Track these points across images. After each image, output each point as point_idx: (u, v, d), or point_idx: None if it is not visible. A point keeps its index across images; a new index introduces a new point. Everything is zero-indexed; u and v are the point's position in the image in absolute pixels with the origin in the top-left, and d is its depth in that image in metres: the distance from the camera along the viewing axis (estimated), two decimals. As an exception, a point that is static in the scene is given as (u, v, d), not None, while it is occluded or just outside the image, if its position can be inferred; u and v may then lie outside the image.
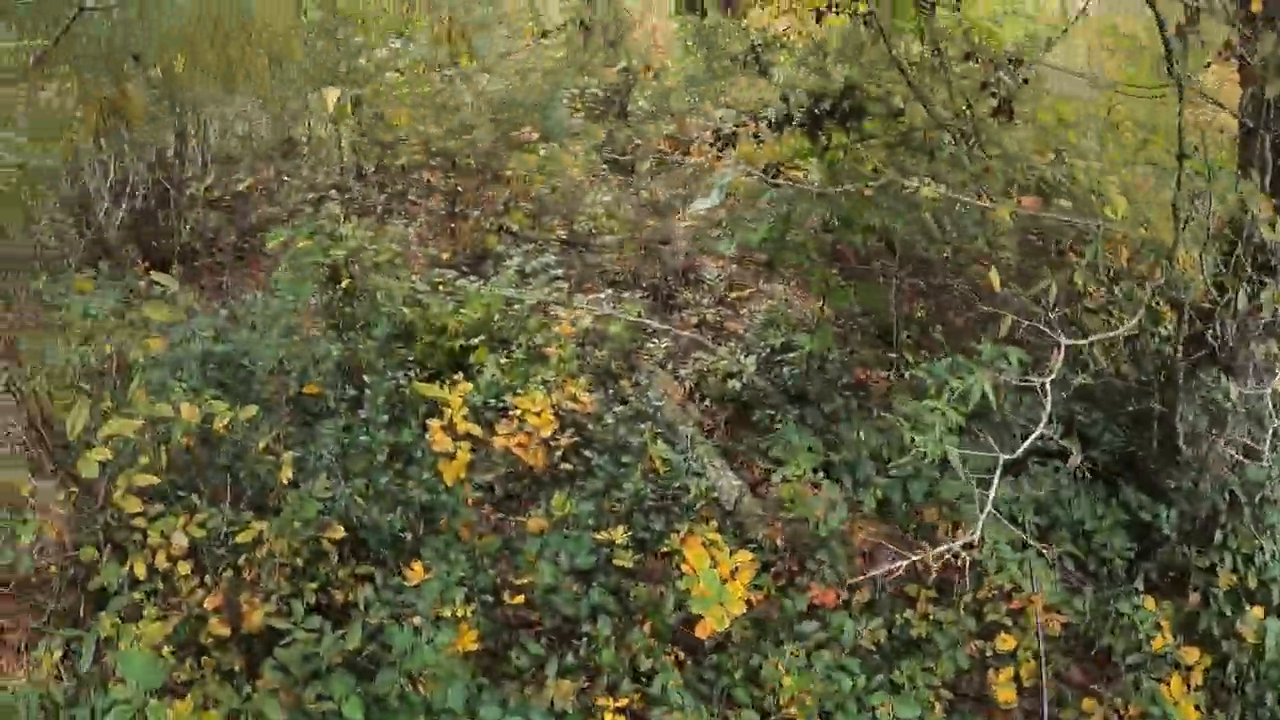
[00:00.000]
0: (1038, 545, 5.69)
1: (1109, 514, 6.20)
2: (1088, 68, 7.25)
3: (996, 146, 6.49)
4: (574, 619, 5.69)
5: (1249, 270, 5.60)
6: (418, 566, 5.47)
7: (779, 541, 6.25)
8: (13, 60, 5.01)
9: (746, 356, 8.31)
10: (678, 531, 5.79)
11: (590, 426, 6.92)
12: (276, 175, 10.79)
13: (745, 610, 5.17)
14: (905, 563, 4.32)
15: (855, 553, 6.08)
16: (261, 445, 5.69)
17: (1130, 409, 6.62)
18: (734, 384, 8.18)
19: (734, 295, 9.99)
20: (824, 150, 7.41)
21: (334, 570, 5.66)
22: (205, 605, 5.22)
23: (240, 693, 5.08)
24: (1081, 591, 6.06)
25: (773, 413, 7.63)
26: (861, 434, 6.23)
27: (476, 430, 5.99)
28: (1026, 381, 4.81)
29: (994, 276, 5.23)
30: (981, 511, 4.31)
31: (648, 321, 8.67)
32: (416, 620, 5.28)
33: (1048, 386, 4.49)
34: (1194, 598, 6.04)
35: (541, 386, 6.82)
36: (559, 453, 6.54)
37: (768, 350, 8.27)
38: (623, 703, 5.32)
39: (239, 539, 5.42)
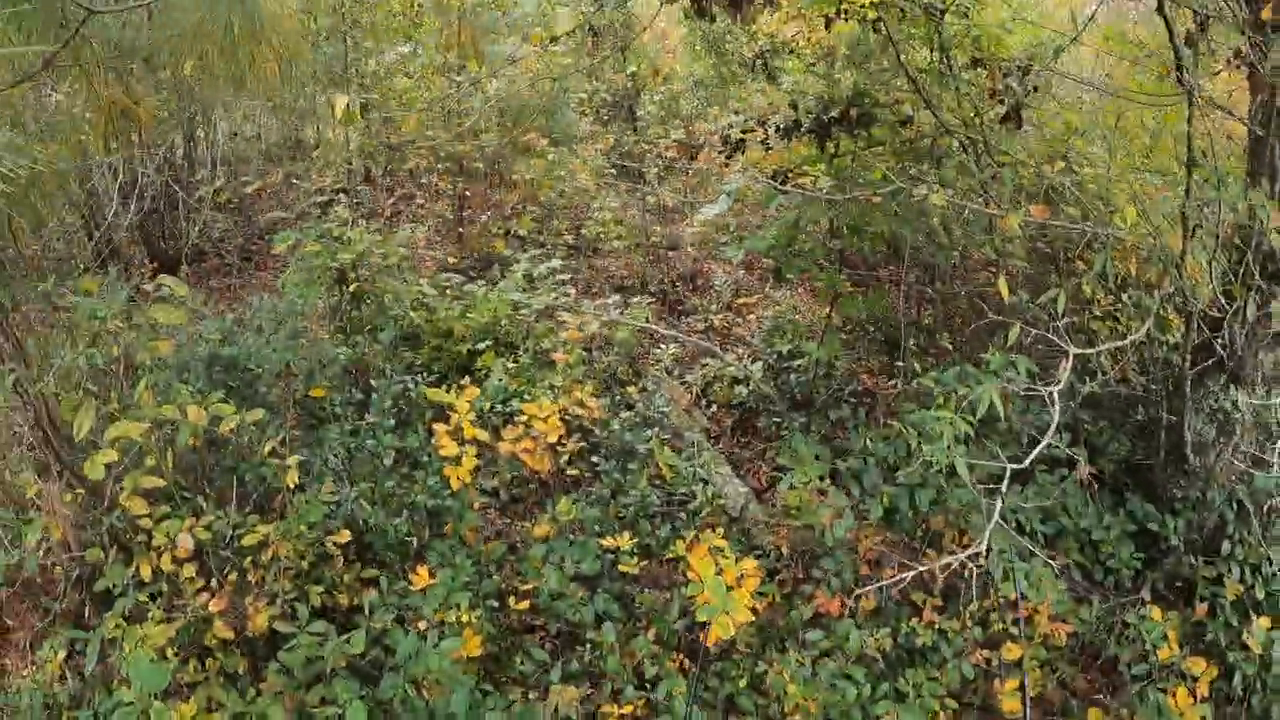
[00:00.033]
0: (1044, 555, 5.66)
1: (1116, 523, 6.17)
2: (1096, 75, 7.24)
3: (1005, 153, 6.48)
4: (579, 625, 5.68)
5: (1258, 279, 5.57)
6: (423, 571, 5.47)
7: (785, 549, 6.24)
8: (22, 63, 5.03)
9: (753, 363, 8.30)
10: (683, 538, 5.78)
11: (597, 432, 6.91)
12: (285, 178, 10.81)
13: (750, 618, 5.14)
14: (911, 574, 4.29)
15: (861, 561, 6.05)
16: (267, 449, 5.69)
17: (1137, 418, 6.59)
18: (741, 390, 8.18)
19: (741, 301, 9.98)
20: (832, 157, 7.41)
21: (339, 574, 5.67)
22: (210, 608, 5.23)
23: (244, 696, 5.09)
24: (1088, 601, 6.04)
25: (779, 420, 7.63)
26: (868, 442, 6.21)
27: (483, 435, 5.99)
28: (1034, 391, 4.80)
29: (1003, 285, 5.21)
30: (989, 522, 4.30)
31: (655, 327, 8.66)
32: (421, 625, 5.28)
33: (1055, 395, 4.47)
34: (1200, 608, 6.00)
35: (548, 392, 6.82)
36: (565, 458, 6.53)
37: (775, 357, 8.26)
38: (627, 709, 5.31)
39: (244, 542, 5.43)
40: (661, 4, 5.62)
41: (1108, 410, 6.62)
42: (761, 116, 7.68)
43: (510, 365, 7.48)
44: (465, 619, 5.33)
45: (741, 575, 5.25)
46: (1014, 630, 5.75)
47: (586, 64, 11.65)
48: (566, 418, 6.44)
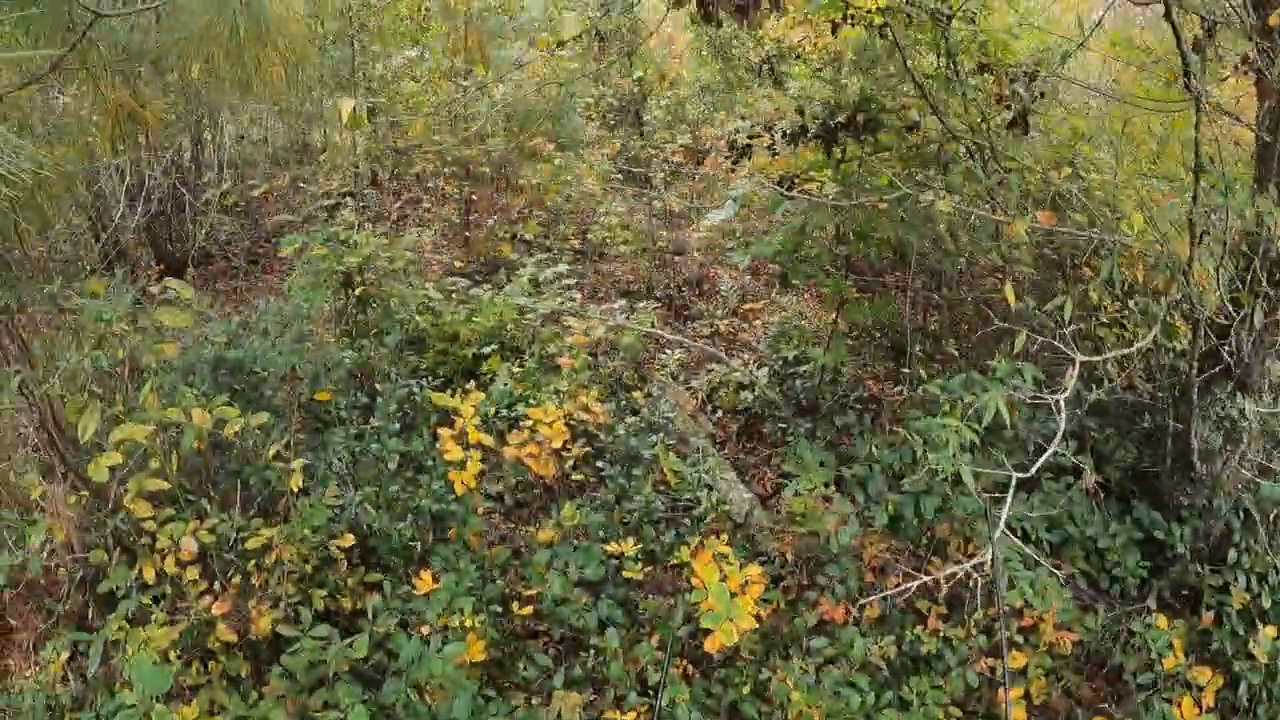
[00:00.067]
0: (1049, 565, 5.64)
1: (1122, 531, 6.15)
2: (1103, 80, 7.23)
3: (1011, 159, 6.47)
4: (582, 630, 5.67)
5: (1265, 286, 5.55)
6: (426, 575, 5.46)
7: (789, 555, 6.23)
8: (30, 66, 5.03)
9: (759, 369, 8.29)
10: (688, 544, 5.77)
11: (602, 437, 6.91)
12: (292, 181, 10.83)
13: (754, 625, 5.13)
14: (917, 583, 4.28)
15: (866, 568, 6.04)
16: (272, 452, 5.69)
17: (1144, 425, 6.57)
18: (746, 396, 8.17)
19: (747, 307, 9.98)
20: (839, 162, 7.40)
21: (342, 578, 5.67)
22: (213, 611, 5.23)
23: (246, 699, 5.09)
24: (1093, 609, 6.01)
25: (784, 426, 7.62)
26: (874, 449, 6.19)
27: (488, 440, 5.98)
28: (1040, 399, 4.78)
29: (1009, 291, 5.20)
30: (994, 531, 4.28)
31: (660, 332, 8.66)
32: (424, 629, 5.28)
33: (1062, 403, 4.46)
34: (1207, 617, 5.97)
35: (554, 396, 6.82)
36: (570, 463, 6.53)
37: (780, 362, 8.25)
38: (630, 716, 5.29)
39: (248, 545, 5.43)
40: (668, 9, 5.60)
41: (1114, 417, 6.60)
42: (768, 122, 7.68)
43: (516, 370, 7.47)
44: (468, 624, 5.32)
45: (745, 582, 5.24)
46: (1019, 639, 5.73)
47: (593, 69, 11.65)
48: (571, 423, 6.43)
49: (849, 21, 6.17)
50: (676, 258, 11.01)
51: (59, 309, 5.93)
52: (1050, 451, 4.48)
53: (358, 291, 7.79)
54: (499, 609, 5.72)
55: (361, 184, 10.53)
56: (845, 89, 7.37)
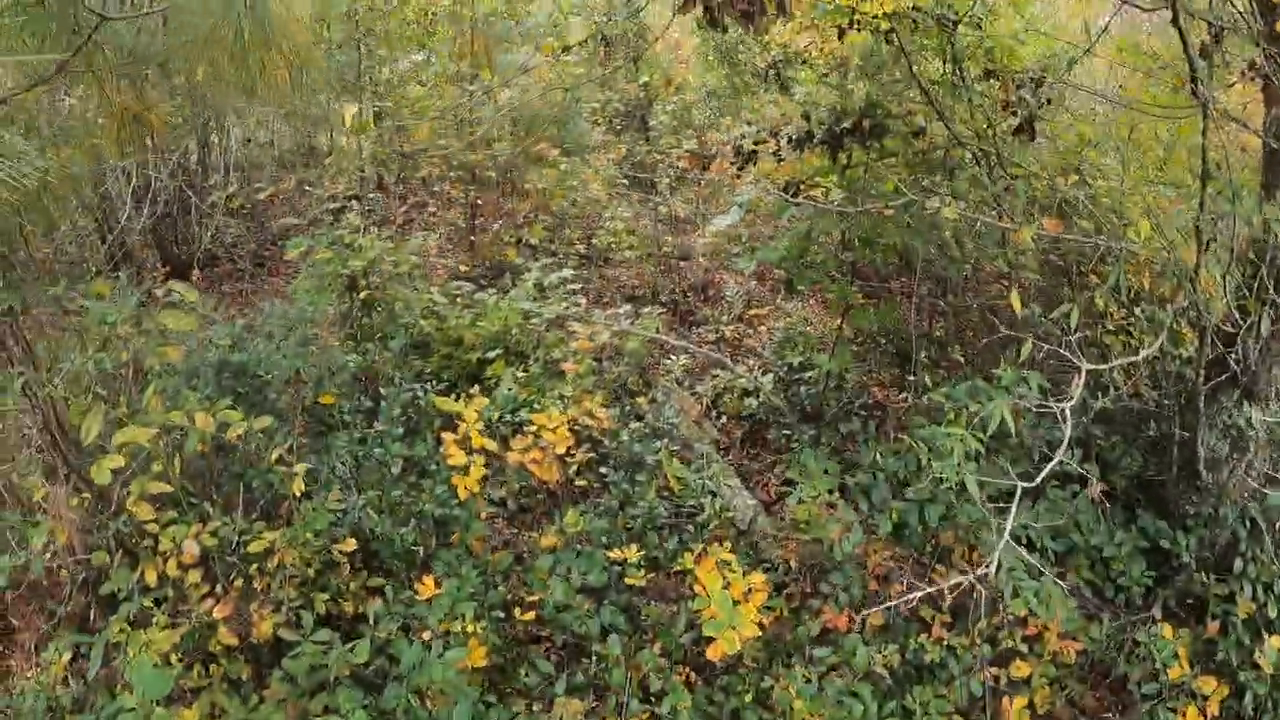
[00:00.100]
0: (1052, 575, 5.62)
1: (1127, 540, 6.12)
2: (1109, 86, 7.21)
3: (1018, 166, 6.45)
4: (584, 637, 5.65)
5: (1272, 293, 5.53)
6: (429, 580, 5.45)
7: (793, 562, 6.21)
8: (36, 69, 5.04)
9: (764, 375, 8.27)
10: (691, 550, 5.75)
11: (606, 443, 6.89)
12: (297, 184, 10.84)
13: (757, 633, 5.11)
14: (921, 594, 4.26)
15: (870, 576, 6.02)
16: (274, 456, 5.69)
17: (1150, 433, 6.54)
18: (751, 402, 8.16)
19: (752, 313, 9.97)
20: (844, 168, 7.38)
21: (345, 582, 5.66)
22: (215, 614, 5.22)
23: (247, 703, 5.09)
24: (1098, 618, 5.99)
25: (789, 432, 7.60)
26: (878, 456, 6.17)
27: (491, 445, 5.97)
28: (1046, 407, 4.76)
29: (1015, 299, 5.18)
30: (999, 540, 4.26)
31: (665, 338, 8.65)
32: (426, 635, 5.27)
33: (1068, 412, 4.44)
34: (1212, 626, 5.94)
35: (558, 402, 6.81)
36: (573, 469, 6.51)
37: (785, 369, 8.23)
38: (631, 723, 5.29)
39: (250, 548, 5.43)
40: (674, 14, 5.59)
41: (1120, 425, 6.57)
42: (774, 127, 7.67)
43: (520, 374, 7.46)
44: (470, 629, 5.31)
45: (749, 590, 5.22)
46: (1023, 648, 5.70)
47: (599, 74, 11.66)
48: (576, 428, 6.42)
49: (855, 27, 6.15)
50: (682, 263, 11.00)
51: (64, 311, 5.93)
52: (1056, 461, 4.47)
53: (362, 295, 7.78)
54: (501, 614, 5.71)
55: (367, 188, 10.54)
56: (851, 95, 7.36)
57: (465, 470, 5.81)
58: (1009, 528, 4.25)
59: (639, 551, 5.84)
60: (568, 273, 9.05)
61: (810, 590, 6.07)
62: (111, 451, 5.22)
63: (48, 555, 5.46)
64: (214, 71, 4.84)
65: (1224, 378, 5.95)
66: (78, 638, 5.38)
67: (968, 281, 7.95)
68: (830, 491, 6.06)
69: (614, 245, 10.71)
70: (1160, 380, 6.49)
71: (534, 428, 6.22)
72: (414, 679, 4.96)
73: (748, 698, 5.49)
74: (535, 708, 5.39)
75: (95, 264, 8.88)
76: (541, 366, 7.59)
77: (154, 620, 5.17)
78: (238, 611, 5.34)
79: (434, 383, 7.47)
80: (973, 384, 5.47)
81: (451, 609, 5.36)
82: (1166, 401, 6.41)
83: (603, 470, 6.74)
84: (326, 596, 5.50)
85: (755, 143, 7.72)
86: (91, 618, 5.66)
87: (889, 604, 5.00)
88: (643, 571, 5.81)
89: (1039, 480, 4.47)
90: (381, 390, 6.88)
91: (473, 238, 10.90)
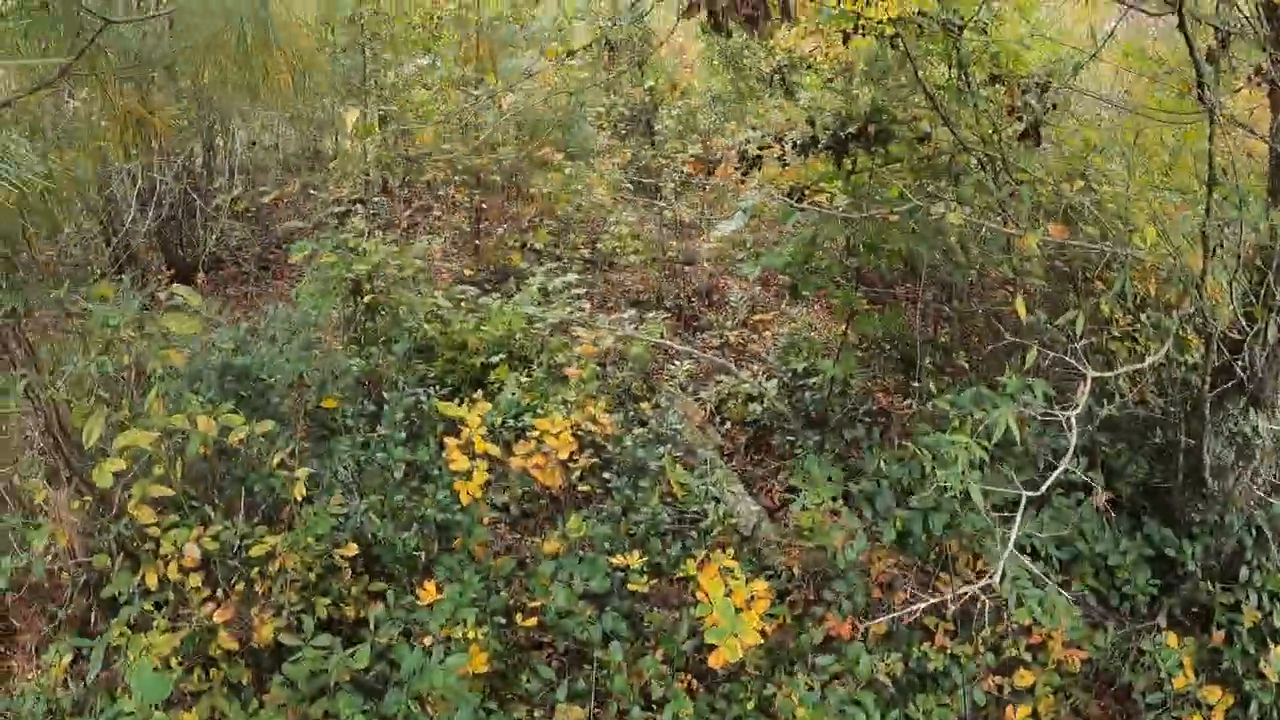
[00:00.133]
0: (1056, 584, 5.59)
1: (1132, 548, 6.09)
2: (1115, 91, 7.18)
3: (1023, 171, 6.42)
4: (586, 643, 5.63)
5: (1279, 300, 5.50)
6: (430, 586, 5.44)
7: (796, 570, 6.18)
8: (39, 72, 5.05)
9: (768, 380, 8.24)
10: (694, 557, 5.73)
11: (609, 448, 6.87)
12: (302, 188, 10.84)
13: (759, 641, 5.09)
14: (925, 605, 4.23)
15: (873, 584, 5.99)
16: (276, 460, 5.68)
17: (1155, 440, 6.51)
18: (755, 408, 8.13)
19: (757, 318, 9.94)
20: (849, 174, 7.36)
21: (346, 586, 5.65)
22: (215, 618, 5.21)
23: (246, 708, 5.09)
24: (1103, 627, 5.95)
25: (793, 438, 7.57)
26: (882, 463, 6.15)
27: (494, 450, 5.96)
28: (1051, 415, 4.74)
29: (1021, 305, 5.16)
30: (1004, 550, 4.23)
31: (670, 343, 8.62)
32: (427, 640, 5.25)
33: (1073, 420, 4.41)
34: (1217, 635, 5.91)
35: (561, 407, 6.79)
36: (576, 474, 6.49)
37: (790, 374, 8.20)
38: (633, 730, 5.27)
39: (252, 552, 5.42)
40: (678, 19, 5.58)
41: (1125, 432, 6.54)
42: (779, 133, 7.65)
43: (524, 379, 7.45)
44: (472, 635, 5.29)
45: (751, 597, 5.20)
46: (1027, 657, 5.67)
47: (603, 78, 11.65)
48: (579, 433, 6.40)
49: (860, 32, 6.13)
50: (686, 268, 10.98)
51: (66, 313, 5.93)
52: (1061, 469, 4.44)
53: (366, 299, 7.78)
54: (503, 620, 5.69)
55: (372, 191, 10.53)
56: (856, 100, 7.34)
57: (468, 475, 5.80)
58: (1014, 537, 4.22)
59: (641, 558, 5.83)
60: (572, 277, 9.04)
61: (813, 597, 6.04)
62: (113, 454, 5.22)
63: (49, 558, 5.47)
64: (218, 75, 4.85)
65: (1230, 385, 5.92)
66: (78, 641, 5.38)
67: (973, 287, 7.92)
68: (834, 499, 6.04)
69: (618, 250, 10.69)
70: (1166, 387, 6.46)
71: (537, 433, 6.21)
72: (415, 685, 4.95)
73: (750, 705, 5.46)
74: (536, 714, 5.38)
75: (100, 266, 8.88)
76: (545, 371, 7.58)
77: (154, 624, 5.17)
78: (238, 616, 5.33)
79: (437, 387, 7.46)
80: (978, 391, 5.44)
81: (453, 614, 5.35)
82: (1172, 409, 6.38)
83: (606, 476, 6.72)
84: (328, 601, 5.49)
85: (760, 148, 7.70)
86: (93, 620, 5.66)
87: (894, 614, 4.97)
88: (645, 578, 5.79)
89: (1044, 489, 4.44)
90: (385, 394, 6.87)
91: (477, 242, 10.89)
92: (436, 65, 10.63)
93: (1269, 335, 5.65)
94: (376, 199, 10.42)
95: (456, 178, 10.82)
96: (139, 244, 9.68)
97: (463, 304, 8.49)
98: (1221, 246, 5.45)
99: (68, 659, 5.34)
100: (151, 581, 5.26)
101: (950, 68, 6.54)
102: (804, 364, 8.21)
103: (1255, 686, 5.73)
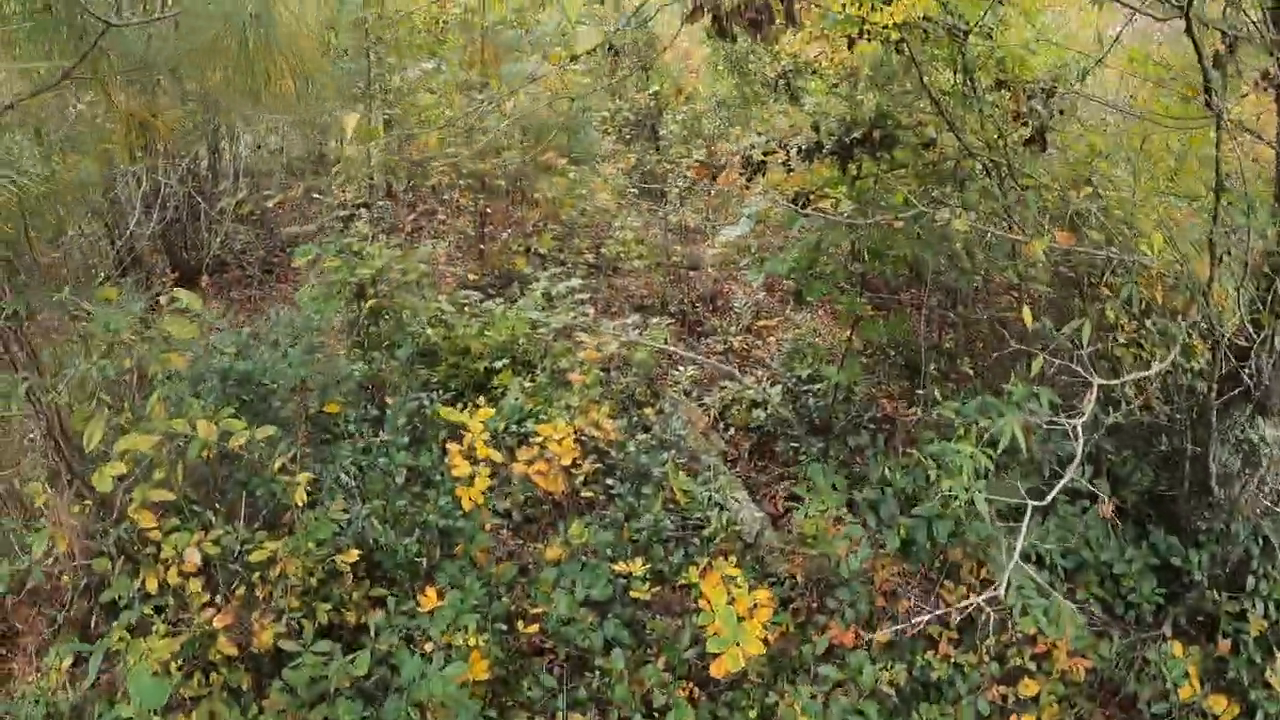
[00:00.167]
0: (1062, 591, 5.56)
1: (1138, 557, 6.05)
2: (1120, 96, 7.16)
3: (1029, 177, 6.40)
4: (588, 651, 5.61)
5: (1286, 308, 5.48)
6: (431, 592, 5.41)
7: (799, 577, 6.15)
8: (44, 75, 5.04)
9: (772, 386, 8.22)
10: (697, 564, 5.70)
11: (612, 454, 6.85)
12: (306, 191, 10.84)
13: (761, 650, 5.06)
14: (928, 618, 4.20)
15: (877, 592, 5.95)
16: (277, 465, 5.66)
17: (1161, 448, 6.48)
18: (759, 414, 8.10)
19: (761, 324, 9.92)
20: (854, 179, 7.34)
21: (348, 592, 5.62)
22: (215, 623, 5.19)
23: (246, 713, 5.06)
24: (1108, 636, 5.91)
25: (797, 444, 7.55)
26: (887, 471, 6.12)
27: (496, 455, 5.94)
28: (1056, 424, 4.70)
29: (1027, 313, 5.13)
30: (1009, 560, 4.20)
31: (673, 349, 8.60)
32: (428, 647, 5.23)
33: (1079, 429, 4.38)
34: (1223, 644, 5.87)
35: (565, 412, 6.77)
36: (579, 480, 6.47)
37: (794, 380, 8.18)
38: (634, 738, 5.24)
39: (252, 557, 5.40)
40: (682, 24, 5.57)
41: (1131, 439, 6.50)
42: (783, 138, 7.63)
43: (527, 385, 7.43)
44: (473, 642, 5.26)
45: (754, 605, 5.17)
46: (1031, 666, 5.63)
47: (607, 83, 11.64)
48: (582, 439, 6.38)
49: (865, 37, 6.10)
50: (691, 273, 10.96)
51: (69, 316, 5.92)
52: (1067, 479, 4.41)
53: (370, 303, 7.76)
54: (504, 627, 5.67)
55: (376, 195, 10.53)
56: (861, 105, 7.32)
57: (470, 481, 5.78)
58: (1019, 548, 4.19)
59: (644, 565, 5.80)
60: (576, 282, 9.03)
61: (817, 605, 6.01)
62: (114, 458, 5.21)
63: (49, 561, 5.45)
64: (222, 78, 4.84)
65: (1236, 392, 5.88)
66: (77, 647, 5.36)
67: (978, 293, 7.90)
68: (838, 506, 6.01)
69: (623, 255, 10.69)
70: (1172, 394, 6.42)
71: (540, 439, 6.18)
72: (415, 692, 4.92)
73: (752, 714, 5.43)
74: (537, 722, 5.36)
75: (104, 269, 8.88)
76: (549, 376, 7.56)
77: (154, 628, 5.15)
78: (239, 621, 5.31)
79: (440, 392, 7.44)
80: (983, 400, 5.41)
81: (454, 621, 5.32)
82: (1178, 416, 6.35)
83: (609, 482, 6.70)
84: (329, 606, 5.47)
85: (764, 153, 7.68)
86: (93, 624, 5.64)
87: (899, 626, 4.94)
88: (648, 585, 5.76)
89: (1050, 499, 4.41)
90: (387, 399, 6.85)
91: (481, 246, 10.89)
92: (441, 69, 10.63)
93: (1276, 342, 5.62)
94: (381, 203, 10.43)
95: (461, 182, 10.81)
96: (143, 247, 9.70)
97: (466, 309, 8.47)
98: (1228, 253, 5.42)
99: (68, 662, 5.32)
100: (152, 586, 5.24)
101: (956, 73, 6.51)
102: (808, 370, 8.19)
103: (1261, 696, 5.69)
